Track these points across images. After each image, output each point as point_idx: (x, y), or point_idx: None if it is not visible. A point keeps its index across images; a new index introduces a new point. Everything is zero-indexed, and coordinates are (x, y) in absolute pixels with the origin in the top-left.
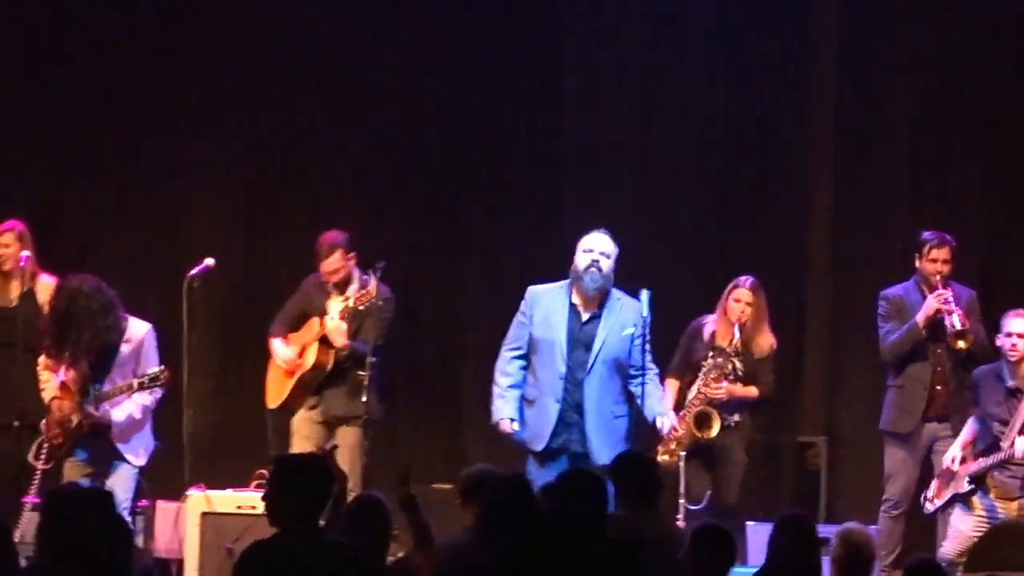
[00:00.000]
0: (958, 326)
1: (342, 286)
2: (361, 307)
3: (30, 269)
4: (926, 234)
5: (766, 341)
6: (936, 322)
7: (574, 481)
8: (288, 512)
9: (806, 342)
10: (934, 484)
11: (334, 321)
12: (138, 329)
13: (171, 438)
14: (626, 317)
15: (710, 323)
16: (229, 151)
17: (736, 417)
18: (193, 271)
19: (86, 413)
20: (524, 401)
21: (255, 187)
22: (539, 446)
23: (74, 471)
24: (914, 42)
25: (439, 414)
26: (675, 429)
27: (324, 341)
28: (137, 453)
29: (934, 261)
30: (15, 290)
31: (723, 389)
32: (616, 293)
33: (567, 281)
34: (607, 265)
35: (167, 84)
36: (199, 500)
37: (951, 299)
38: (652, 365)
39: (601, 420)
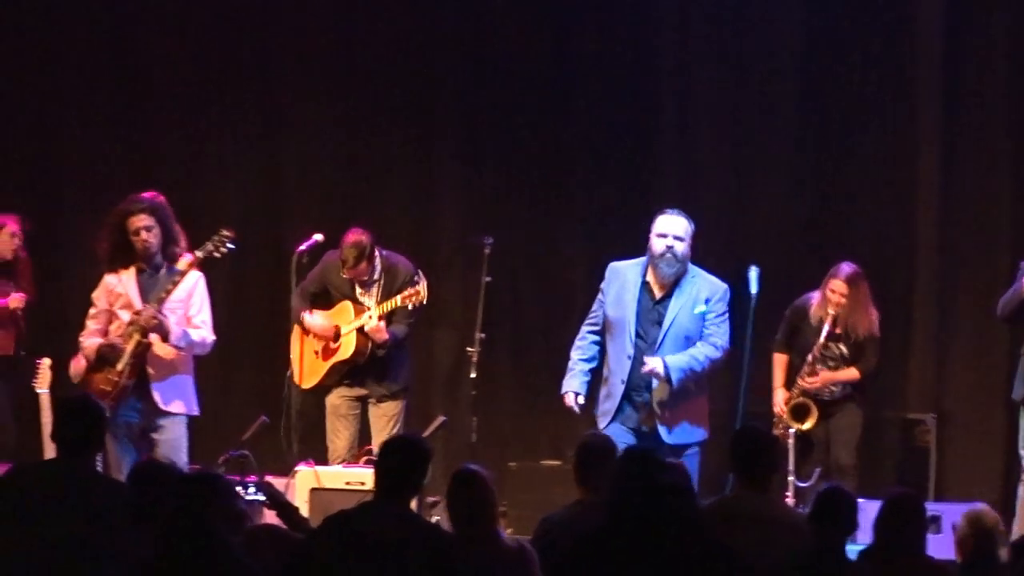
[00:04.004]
0: None
1: (367, 284)
2: (410, 306)
3: None
4: None
5: (865, 324)
6: None
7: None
8: (384, 486)
9: (914, 318)
10: None
11: (373, 321)
12: (190, 274)
13: (279, 414)
14: (699, 295)
15: (815, 304)
16: (335, 127)
17: (840, 388)
18: (302, 246)
19: (151, 311)
20: (601, 379)
21: (359, 162)
22: (603, 423)
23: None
24: (1016, 16)
25: (544, 390)
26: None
27: (362, 330)
28: (186, 401)
29: None
30: None
31: (817, 381)
32: (693, 271)
33: (645, 258)
34: (682, 248)
35: (271, 58)
36: (308, 476)
37: None
38: (720, 339)
39: (669, 398)
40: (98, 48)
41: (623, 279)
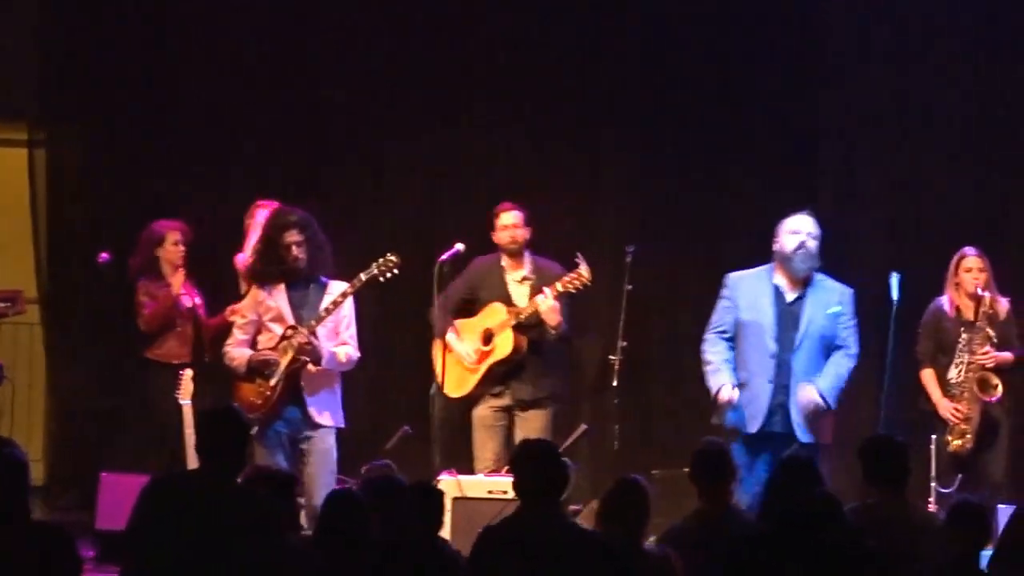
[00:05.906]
0: None
1: (517, 256)
2: (572, 291)
3: None
4: None
5: (1003, 304)
6: None
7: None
8: (527, 491)
9: None
10: None
11: (548, 301)
12: (344, 287)
13: (422, 423)
14: (830, 297)
15: (947, 302)
16: (477, 137)
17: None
18: (444, 256)
19: (304, 337)
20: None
21: (499, 170)
22: (753, 428)
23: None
24: None
25: (688, 398)
26: (957, 411)
27: (517, 327)
28: (335, 414)
29: None
30: None
31: (990, 355)
32: (819, 275)
33: (768, 266)
34: (814, 245)
35: (439, 67)
36: (451, 485)
37: None
38: (853, 345)
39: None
40: (269, 58)
41: (751, 285)
